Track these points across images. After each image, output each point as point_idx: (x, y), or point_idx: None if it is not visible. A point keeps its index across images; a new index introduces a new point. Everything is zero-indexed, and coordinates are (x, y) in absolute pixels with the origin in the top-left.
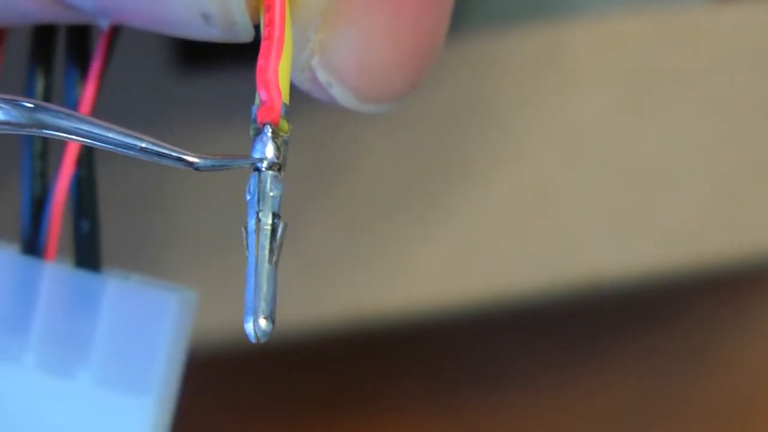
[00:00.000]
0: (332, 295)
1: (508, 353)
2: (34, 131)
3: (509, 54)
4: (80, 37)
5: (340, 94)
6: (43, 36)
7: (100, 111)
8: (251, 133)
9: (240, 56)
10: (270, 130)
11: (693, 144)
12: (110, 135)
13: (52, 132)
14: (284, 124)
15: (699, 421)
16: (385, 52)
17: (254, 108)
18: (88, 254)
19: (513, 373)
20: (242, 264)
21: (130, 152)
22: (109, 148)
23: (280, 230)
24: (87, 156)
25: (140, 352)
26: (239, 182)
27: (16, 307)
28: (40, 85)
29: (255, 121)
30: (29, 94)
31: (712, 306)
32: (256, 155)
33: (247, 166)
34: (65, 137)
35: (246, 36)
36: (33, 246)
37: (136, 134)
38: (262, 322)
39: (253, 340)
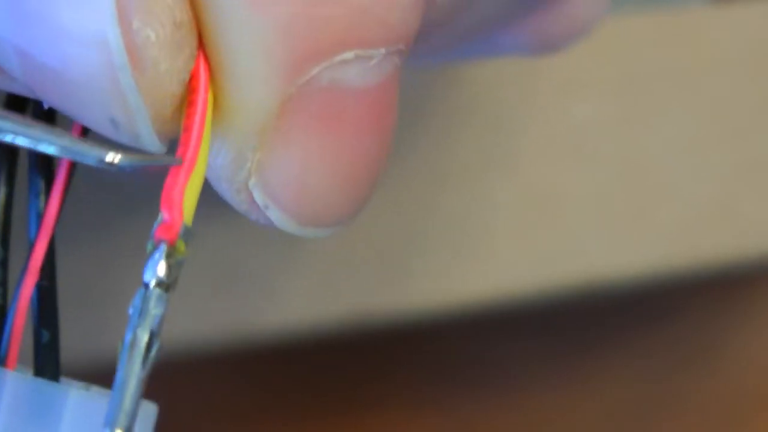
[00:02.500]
0: (331, 296)
1: (509, 353)
2: None
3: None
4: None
5: (277, 217)
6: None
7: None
8: (148, 248)
9: None
10: (165, 248)
11: (693, 144)
12: (32, 131)
13: None
14: (181, 246)
15: (699, 421)
16: (324, 176)
17: (155, 224)
18: (48, 363)
19: (513, 373)
20: (241, 266)
21: (51, 149)
22: (30, 144)
23: (154, 349)
24: (49, 266)
25: None
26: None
27: None
28: (2, 192)
29: (153, 237)
30: None
31: (712, 306)
32: (148, 272)
33: (170, 164)
34: None
35: (154, 148)
36: None
37: (59, 132)
38: None
39: None
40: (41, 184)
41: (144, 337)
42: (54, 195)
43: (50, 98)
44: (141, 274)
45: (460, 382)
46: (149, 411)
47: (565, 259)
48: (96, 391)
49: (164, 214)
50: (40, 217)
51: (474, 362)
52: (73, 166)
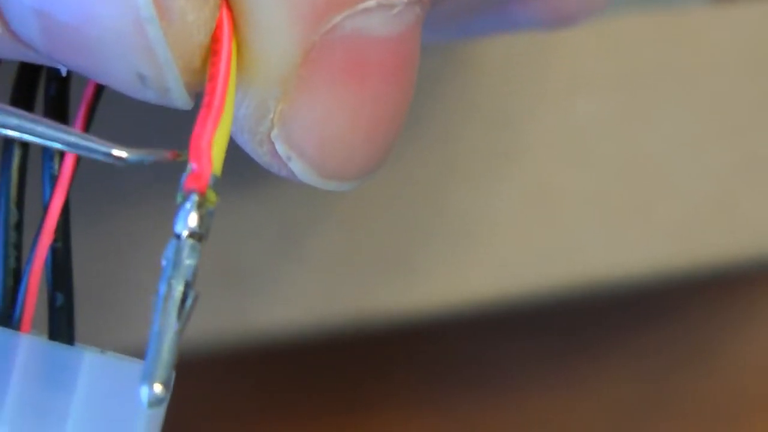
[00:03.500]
0: (330, 296)
1: (507, 353)
2: None
3: (509, 54)
4: (59, 101)
5: (300, 169)
6: (23, 103)
7: (103, 121)
8: (177, 200)
9: None
10: (196, 198)
11: (693, 144)
12: (39, 128)
13: None
14: (212, 195)
15: (699, 421)
16: (346, 126)
17: (184, 175)
18: (62, 327)
19: (511, 372)
20: (241, 266)
21: (59, 145)
22: (38, 141)
23: (190, 300)
24: (63, 227)
25: (116, 426)
26: (239, 181)
27: None
28: (17, 153)
29: (182, 188)
30: (7, 162)
31: (712, 306)
32: (179, 223)
33: (175, 159)
34: None
35: (182, 103)
36: (8, 317)
37: (65, 128)
38: (157, 388)
39: (145, 405)
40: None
41: (179, 288)
42: (68, 156)
43: (72, 60)
44: (157, 255)
45: (459, 381)
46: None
47: (565, 258)
48: (112, 355)
49: (193, 165)
50: (54, 179)
51: (472, 362)
52: (88, 121)
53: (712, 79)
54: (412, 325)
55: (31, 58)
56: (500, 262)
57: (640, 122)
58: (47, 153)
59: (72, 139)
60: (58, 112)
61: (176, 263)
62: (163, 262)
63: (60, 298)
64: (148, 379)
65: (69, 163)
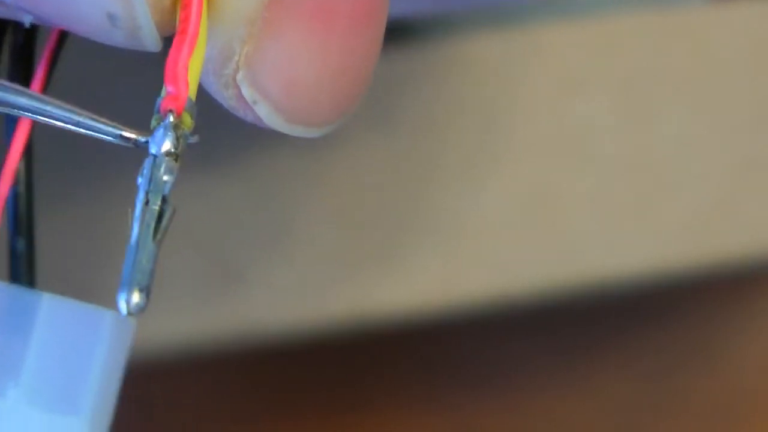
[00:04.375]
0: (332, 296)
1: (508, 353)
2: None
3: (508, 54)
4: (24, 48)
5: (265, 113)
6: None
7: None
8: (152, 123)
9: None
10: (171, 118)
11: (692, 144)
12: (47, 108)
13: None
14: (187, 118)
15: (699, 421)
16: (312, 72)
17: (158, 99)
18: (23, 273)
19: (512, 372)
20: (240, 266)
21: (68, 126)
22: (47, 121)
23: (167, 215)
24: (25, 173)
25: (73, 371)
26: (235, 180)
27: None
28: None
29: (158, 111)
30: None
31: (712, 306)
32: (155, 144)
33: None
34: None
35: (151, 44)
36: None
37: (74, 108)
38: (136, 295)
39: (124, 312)
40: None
41: (157, 201)
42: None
43: (40, 5)
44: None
45: (459, 381)
46: (126, 322)
47: (565, 258)
48: (71, 299)
49: (169, 88)
50: (15, 119)
51: (472, 362)
52: (52, 68)
53: (712, 79)
54: (412, 325)
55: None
56: (501, 262)
57: (639, 122)
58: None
59: (81, 119)
60: (25, 64)
61: (153, 179)
62: (139, 180)
63: (21, 244)
64: (127, 286)
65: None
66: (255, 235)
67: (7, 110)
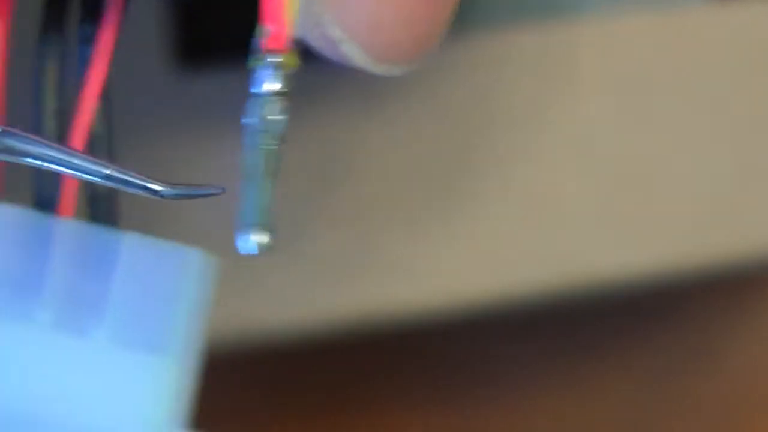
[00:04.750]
0: (332, 296)
1: (508, 354)
2: (2, 156)
3: (508, 54)
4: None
5: (351, 52)
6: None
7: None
8: (252, 64)
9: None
10: (276, 58)
11: (693, 144)
12: (75, 161)
13: (18, 157)
14: (291, 58)
15: (699, 421)
16: (396, 9)
17: (256, 40)
18: (104, 212)
19: (513, 373)
20: (240, 266)
21: (96, 179)
22: (75, 174)
23: (280, 153)
24: (103, 111)
25: (158, 309)
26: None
27: (29, 264)
28: (54, 40)
29: (260, 51)
30: (42, 55)
31: (712, 306)
32: (258, 83)
33: (213, 194)
34: (31, 162)
35: None
36: (47, 202)
37: (102, 161)
38: (260, 235)
39: (249, 252)
40: (90, 30)
41: (269, 140)
42: (105, 32)
43: None
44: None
45: (460, 382)
46: (210, 262)
47: (566, 259)
48: (155, 239)
49: (269, 27)
50: (87, 62)
51: (473, 362)
52: (125, 11)
53: (712, 79)
54: (412, 325)
55: None
56: (503, 262)
57: (639, 122)
58: (82, 34)
59: (108, 171)
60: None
61: (263, 119)
62: (248, 120)
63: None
64: (250, 227)
65: (108, 38)
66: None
67: (30, 161)
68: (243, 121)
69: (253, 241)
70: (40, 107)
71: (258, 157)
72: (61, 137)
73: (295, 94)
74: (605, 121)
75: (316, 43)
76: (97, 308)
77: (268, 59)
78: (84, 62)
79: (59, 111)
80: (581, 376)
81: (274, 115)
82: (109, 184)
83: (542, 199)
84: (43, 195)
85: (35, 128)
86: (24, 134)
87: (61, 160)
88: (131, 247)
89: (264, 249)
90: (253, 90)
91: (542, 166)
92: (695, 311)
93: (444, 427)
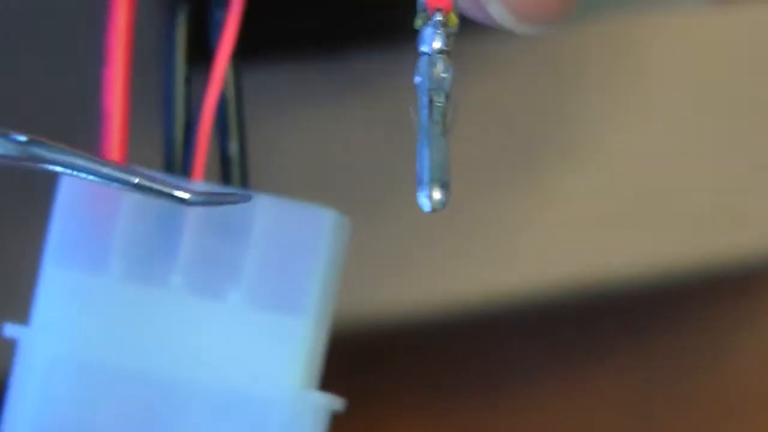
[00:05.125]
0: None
1: (509, 354)
2: (30, 164)
3: (509, 55)
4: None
5: (497, 12)
6: None
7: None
8: (418, 23)
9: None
10: (440, 17)
11: (693, 144)
12: (104, 170)
13: (46, 165)
14: (453, 17)
15: (699, 421)
16: None
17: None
18: (236, 175)
19: (513, 373)
20: None
21: (124, 187)
22: (103, 182)
23: (452, 109)
24: (233, 77)
25: (294, 270)
26: None
27: (163, 228)
28: (183, 9)
29: (423, 9)
30: (174, 17)
31: (713, 306)
32: (425, 42)
33: (236, 202)
34: (60, 170)
35: None
36: (179, 168)
37: (130, 169)
38: (437, 192)
39: (427, 209)
40: None
41: (441, 98)
42: (235, 5)
43: None
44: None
45: (460, 382)
46: (343, 221)
47: (566, 259)
48: (287, 199)
49: None
50: (221, 27)
51: (473, 362)
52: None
53: (713, 80)
54: (413, 327)
55: None
56: (503, 263)
57: (640, 122)
58: (215, 1)
59: (137, 180)
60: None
61: (433, 77)
62: (417, 79)
63: (234, 147)
64: (429, 184)
65: (236, 10)
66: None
67: (59, 170)
68: (415, 79)
69: (429, 197)
70: (172, 71)
71: (432, 114)
72: (188, 100)
73: None
74: (605, 120)
75: (462, 4)
76: (232, 271)
77: (435, 18)
78: (217, 25)
79: (188, 79)
80: (583, 377)
81: (443, 72)
82: (137, 192)
83: (542, 199)
84: (174, 160)
85: (166, 92)
86: (51, 143)
87: (89, 168)
88: (264, 209)
89: (439, 206)
90: (422, 48)
91: (541, 166)
92: (698, 312)
93: (443, 428)
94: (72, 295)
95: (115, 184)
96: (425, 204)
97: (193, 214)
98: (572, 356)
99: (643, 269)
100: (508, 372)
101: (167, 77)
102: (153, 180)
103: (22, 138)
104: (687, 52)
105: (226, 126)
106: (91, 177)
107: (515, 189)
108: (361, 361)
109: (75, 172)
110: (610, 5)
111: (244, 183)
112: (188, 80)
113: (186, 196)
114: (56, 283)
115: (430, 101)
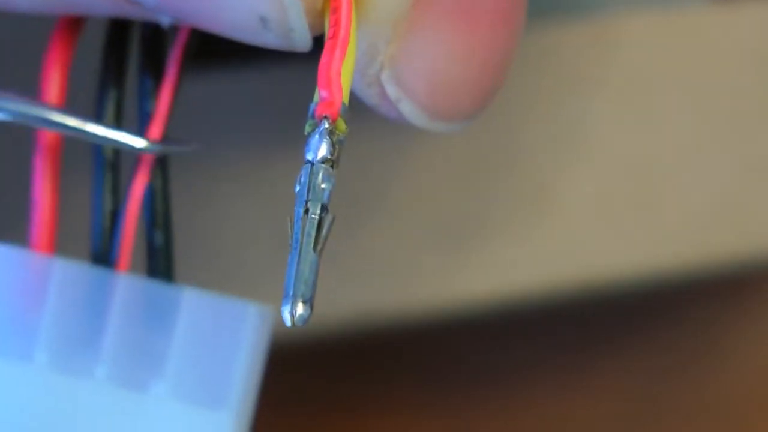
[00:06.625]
0: (332, 297)
1: (509, 354)
2: None
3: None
4: (153, 44)
5: (409, 110)
6: (116, 46)
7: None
8: (306, 129)
9: (248, 58)
10: (327, 125)
11: (693, 144)
12: (62, 120)
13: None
14: (341, 124)
15: (699, 421)
16: (456, 69)
17: (312, 105)
18: (161, 266)
19: (513, 374)
20: (241, 268)
21: (79, 134)
22: (59, 131)
23: (327, 223)
24: (161, 167)
25: (217, 364)
26: (236, 180)
27: (88, 319)
28: (112, 95)
29: (312, 116)
30: (102, 103)
31: (713, 306)
32: (311, 150)
33: (188, 151)
34: (16, 121)
35: (302, 44)
36: (105, 257)
37: (84, 118)
38: (300, 307)
39: (289, 324)
40: (150, 84)
41: (316, 211)
42: (164, 92)
43: (190, 12)
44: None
45: (460, 382)
46: (267, 313)
47: (565, 259)
48: (212, 293)
49: (323, 93)
50: (149, 117)
51: (473, 363)
52: (184, 65)
53: (713, 79)
54: (412, 328)
55: (132, 13)
56: (504, 264)
57: (640, 122)
58: (143, 89)
59: (89, 128)
60: (154, 61)
61: (312, 187)
62: (297, 188)
63: (159, 238)
64: (292, 298)
65: (165, 99)
66: (257, 236)
67: (11, 121)
68: (295, 188)
69: (291, 313)
70: (98, 160)
71: (305, 226)
72: (117, 188)
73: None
74: (606, 120)
75: (372, 101)
76: (155, 362)
77: (322, 126)
78: (145, 117)
79: (115, 165)
80: (583, 377)
81: (323, 183)
82: (93, 140)
83: (542, 199)
84: (100, 250)
85: (93, 178)
86: (9, 95)
87: (46, 119)
88: (190, 302)
89: (301, 322)
90: (307, 156)
91: (542, 166)
92: (700, 311)
93: (443, 428)
94: None
95: (70, 132)
96: (287, 319)
97: (118, 302)
98: (572, 356)
99: (643, 269)
100: (507, 372)
101: (96, 165)
102: (107, 127)
103: None
104: (687, 52)
105: (152, 216)
106: (47, 126)
107: (514, 189)
108: (360, 362)
109: (30, 123)
110: (610, 5)
111: (170, 274)
112: (114, 167)
113: (142, 144)
114: None
115: (305, 212)
